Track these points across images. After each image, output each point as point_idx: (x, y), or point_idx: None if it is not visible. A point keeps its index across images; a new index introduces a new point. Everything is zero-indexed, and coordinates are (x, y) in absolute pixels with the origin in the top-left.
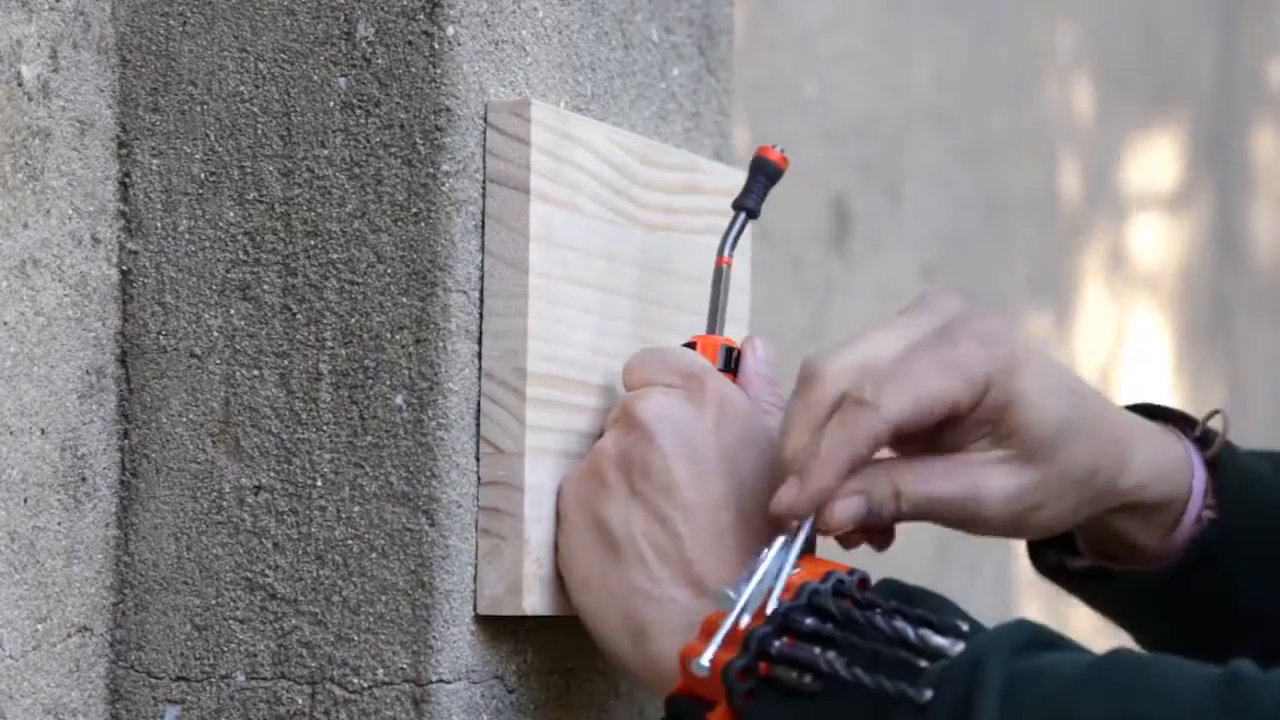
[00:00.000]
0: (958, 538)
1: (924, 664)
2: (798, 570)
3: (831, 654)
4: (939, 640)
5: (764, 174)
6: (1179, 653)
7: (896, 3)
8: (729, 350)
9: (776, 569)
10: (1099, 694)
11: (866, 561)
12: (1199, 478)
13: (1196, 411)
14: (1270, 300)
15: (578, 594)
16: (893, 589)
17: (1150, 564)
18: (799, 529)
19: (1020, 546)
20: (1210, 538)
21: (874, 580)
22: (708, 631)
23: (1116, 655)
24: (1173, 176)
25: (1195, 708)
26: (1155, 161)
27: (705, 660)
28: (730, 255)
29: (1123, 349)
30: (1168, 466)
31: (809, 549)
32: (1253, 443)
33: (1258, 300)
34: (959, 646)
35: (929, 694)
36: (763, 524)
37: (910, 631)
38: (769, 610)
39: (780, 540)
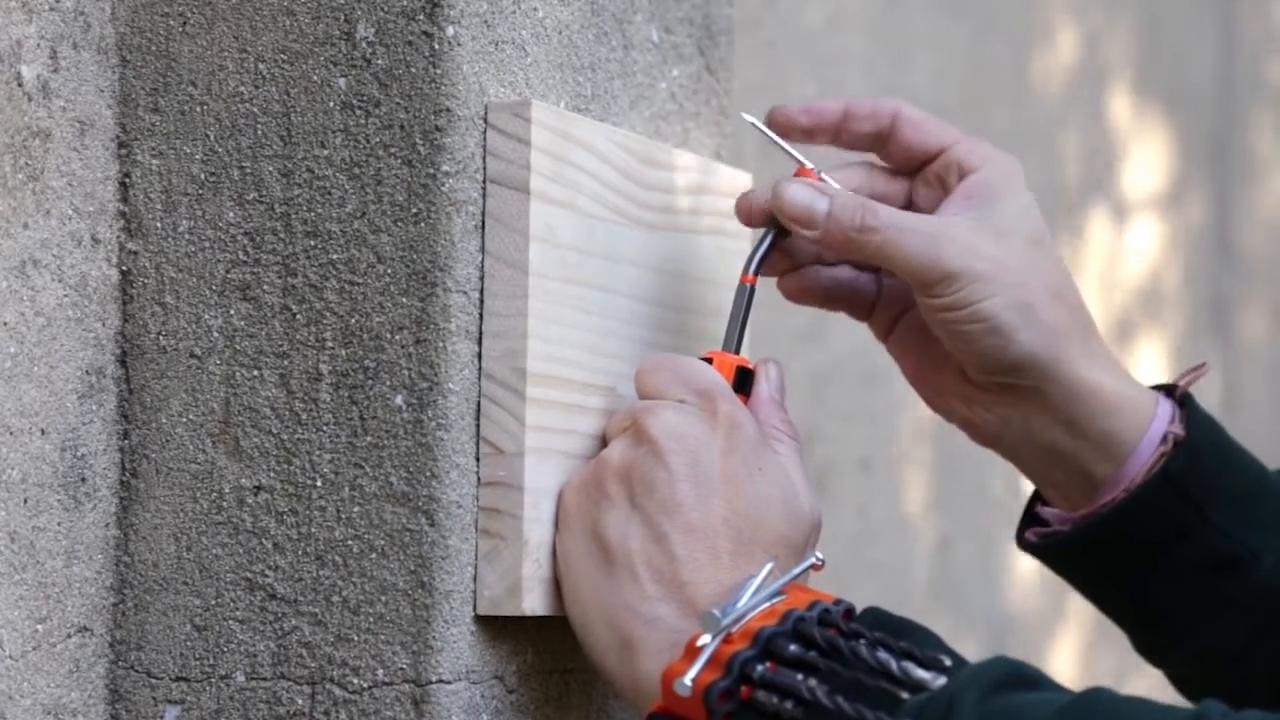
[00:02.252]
0: (958, 537)
1: (905, 695)
2: (784, 597)
3: (813, 681)
4: (921, 673)
5: None
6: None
7: (896, 3)
8: (743, 371)
9: (765, 595)
10: None
11: (872, 566)
12: (1164, 403)
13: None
14: (1268, 298)
15: (569, 601)
16: (878, 620)
17: (1115, 496)
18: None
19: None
20: (1178, 466)
21: (859, 610)
22: (692, 652)
23: (1089, 696)
24: (1171, 175)
25: None
26: (1154, 160)
27: (688, 680)
28: (755, 274)
29: (1120, 347)
30: (1128, 381)
31: (799, 577)
32: (1251, 440)
33: (1255, 298)
34: (940, 680)
35: None
36: (760, 551)
37: (893, 663)
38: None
39: (769, 566)
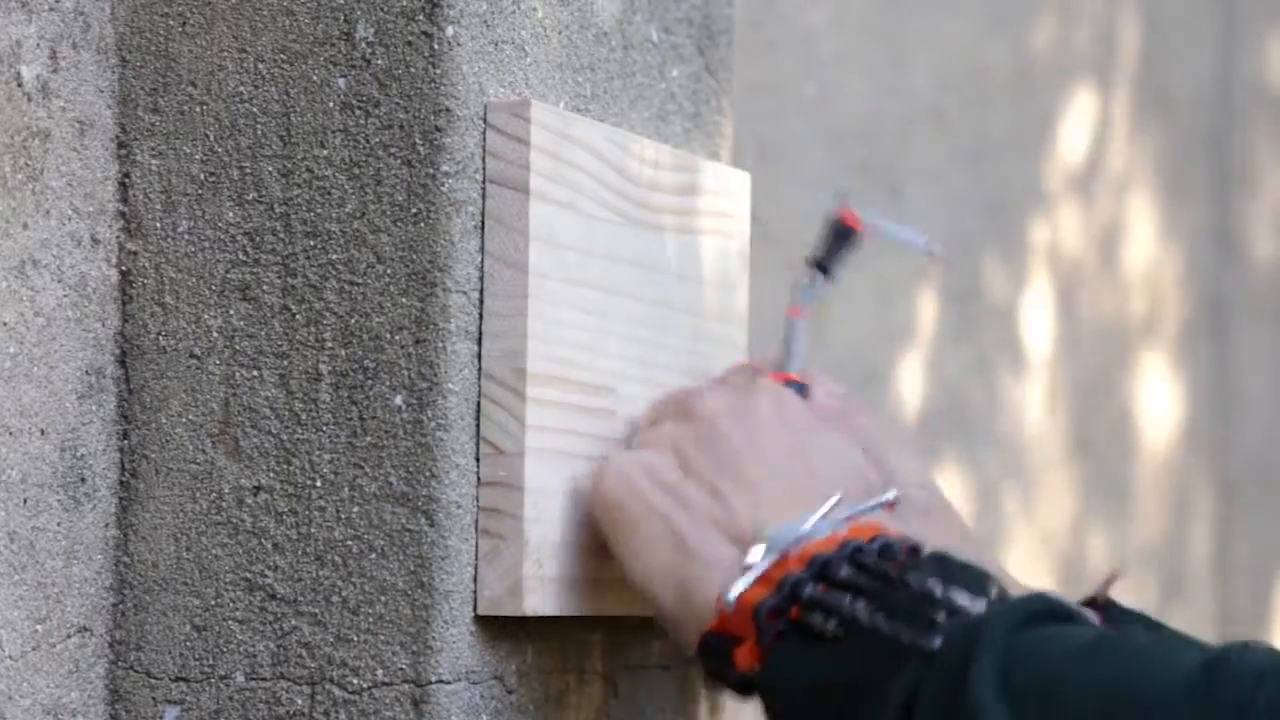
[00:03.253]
0: None
1: (942, 618)
2: (846, 530)
3: (861, 603)
4: (963, 600)
5: (845, 240)
6: None
7: (896, 3)
8: (798, 385)
9: (828, 524)
10: (1088, 668)
11: None
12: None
13: (1197, 411)
14: (1268, 300)
15: (630, 567)
16: (943, 560)
17: None
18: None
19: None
20: None
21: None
22: (744, 570)
23: (1115, 633)
24: (1171, 176)
25: (1171, 691)
26: (1153, 161)
27: (733, 594)
28: (801, 309)
29: (1119, 347)
30: None
31: (869, 513)
32: (1251, 444)
33: (1255, 300)
34: (980, 605)
35: (938, 643)
36: (814, 499)
37: (939, 589)
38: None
39: (835, 499)
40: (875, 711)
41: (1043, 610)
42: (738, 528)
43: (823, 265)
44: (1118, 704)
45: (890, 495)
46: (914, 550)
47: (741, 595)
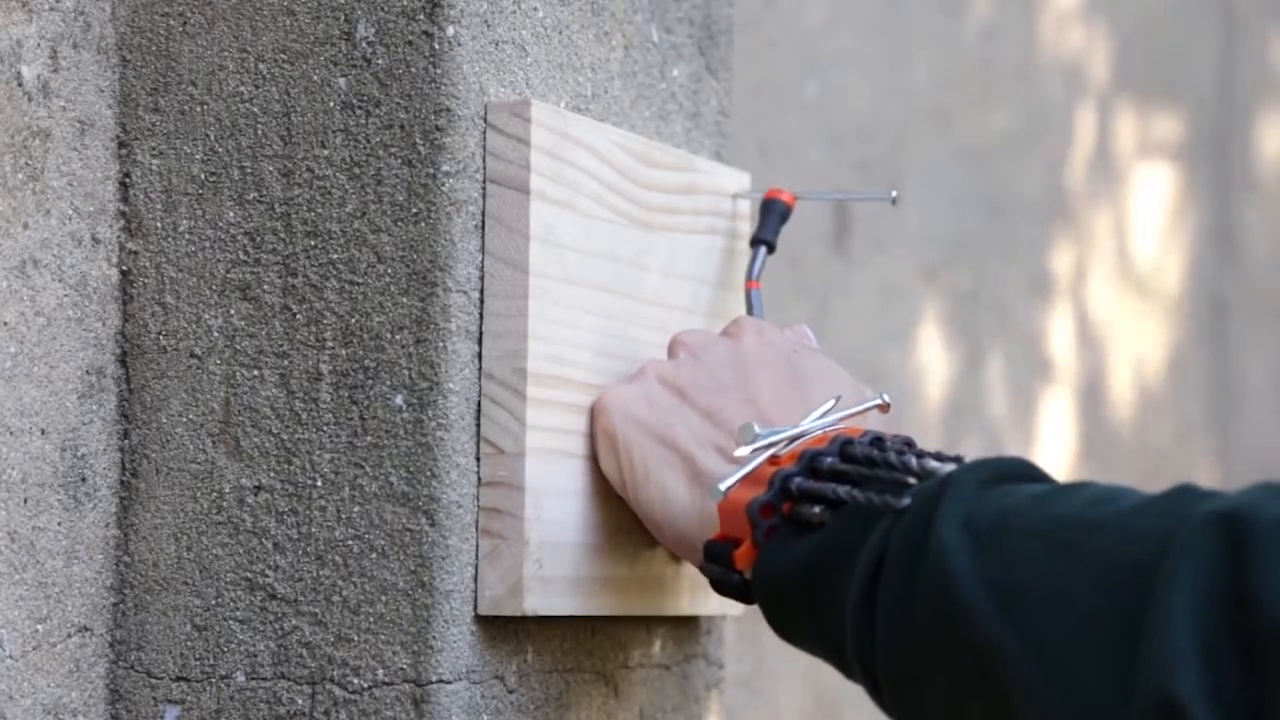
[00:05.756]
0: None
1: (914, 482)
2: (840, 429)
3: (845, 486)
4: (934, 464)
5: (776, 213)
6: None
7: (896, 3)
8: None
9: (821, 424)
10: (1046, 504)
11: None
12: None
13: (1197, 411)
14: (1269, 300)
15: (640, 495)
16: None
17: None
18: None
19: None
20: None
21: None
22: (735, 461)
23: (1075, 483)
24: (1173, 175)
25: (1120, 512)
26: (1155, 160)
27: (724, 485)
28: (757, 280)
29: (1122, 349)
30: None
31: (861, 416)
32: (1251, 444)
33: (1256, 300)
34: (949, 468)
35: (907, 501)
36: (808, 410)
37: (914, 461)
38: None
39: (829, 404)
40: (850, 573)
41: (1012, 470)
42: (733, 439)
43: (765, 241)
44: (1068, 524)
45: (884, 398)
46: (908, 442)
47: (734, 492)
